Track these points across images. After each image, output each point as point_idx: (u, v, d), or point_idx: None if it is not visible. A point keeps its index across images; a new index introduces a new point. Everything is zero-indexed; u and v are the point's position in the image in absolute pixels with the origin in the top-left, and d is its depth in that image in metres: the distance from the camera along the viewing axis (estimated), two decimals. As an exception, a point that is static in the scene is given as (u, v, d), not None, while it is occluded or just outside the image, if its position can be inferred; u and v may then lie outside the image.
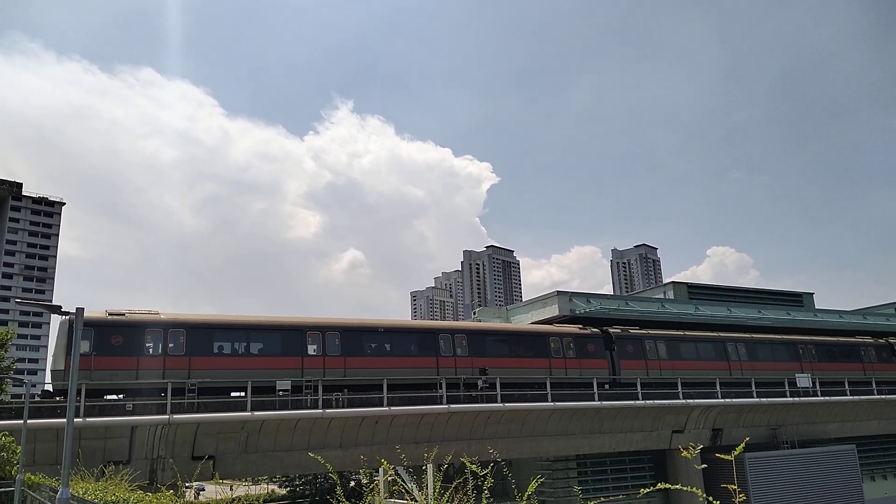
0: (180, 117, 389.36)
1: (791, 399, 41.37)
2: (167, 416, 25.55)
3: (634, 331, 40.72)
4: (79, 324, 12.93)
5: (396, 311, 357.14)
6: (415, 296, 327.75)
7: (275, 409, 27.85)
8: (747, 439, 9.98)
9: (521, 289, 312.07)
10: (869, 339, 50.42)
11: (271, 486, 78.78)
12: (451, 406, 31.10)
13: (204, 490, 66.85)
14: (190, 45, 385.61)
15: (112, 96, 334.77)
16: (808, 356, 45.99)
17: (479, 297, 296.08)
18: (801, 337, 47.49)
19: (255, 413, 27.12)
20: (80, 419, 23.91)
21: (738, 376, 41.82)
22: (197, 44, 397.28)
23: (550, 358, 36.16)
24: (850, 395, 43.98)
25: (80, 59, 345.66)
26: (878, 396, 45.14)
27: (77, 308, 13.90)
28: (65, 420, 14.10)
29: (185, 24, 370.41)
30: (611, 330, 39.41)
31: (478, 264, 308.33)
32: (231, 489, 75.39)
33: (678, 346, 41.23)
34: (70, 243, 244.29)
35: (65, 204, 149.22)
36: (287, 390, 28.70)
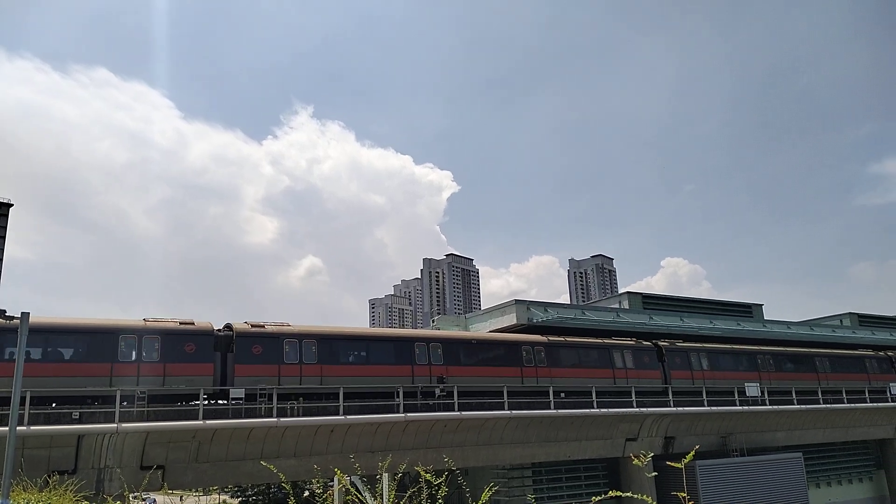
0: (135, 119, 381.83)
1: (741, 408, 42.32)
2: (115, 425, 24.81)
3: (269, 326, 31.19)
4: (23, 328, 12.60)
5: (355, 319, 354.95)
6: (373, 303, 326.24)
7: (228, 418, 27.34)
8: (697, 447, 10.24)
9: (479, 297, 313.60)
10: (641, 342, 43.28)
11: (223, 496, 77.49)
12: (408, 415, 30.92)
13: (155, 502, 64.97)
14: (146, 45, 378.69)
15: (65, 96, 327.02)
16: (534, 358, 37.87)
17: (438, 305, 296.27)
18: (523, 336, 39.48)
19: (208, 422, 26.52)
20: (24, 427, 23.11)
21: (422, 382, 33.49)
22: (153, 44, 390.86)
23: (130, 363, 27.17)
24: (797, 404, 45.26)
25: (31, 58, 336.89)
26: (823, 406, 46.51)
27: (22, 312, 13.57)
28: (6, 428, 13.65)
29: (141, 23, 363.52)
30: (235, 326, 30.52)
31: (437, 272, 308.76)
32: (181, 499, 73.94)
33: (337, 347, 32.40)
34: (16, 245, 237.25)
35: (12, 205, 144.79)
36: (241, 399, 28.13)
